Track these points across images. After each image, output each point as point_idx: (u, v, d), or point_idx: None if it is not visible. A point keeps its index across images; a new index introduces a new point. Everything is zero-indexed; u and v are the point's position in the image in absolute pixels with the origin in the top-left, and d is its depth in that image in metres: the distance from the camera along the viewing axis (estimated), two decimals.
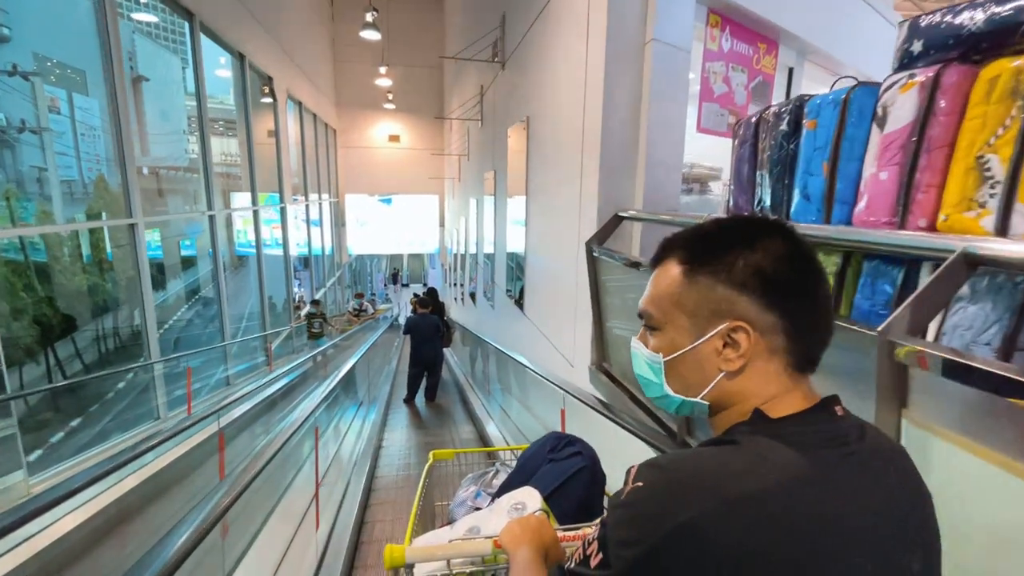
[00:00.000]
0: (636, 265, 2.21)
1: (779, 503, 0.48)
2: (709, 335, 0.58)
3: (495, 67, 6.20)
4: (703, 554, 0.46)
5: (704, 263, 0.59)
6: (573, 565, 0.57)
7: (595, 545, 0.54)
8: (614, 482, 0.95)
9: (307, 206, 10.88)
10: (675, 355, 0.61)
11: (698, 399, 0.61)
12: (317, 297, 10.39)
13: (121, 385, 4.55)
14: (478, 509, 1.25)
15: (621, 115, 2.76)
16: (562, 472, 1.16)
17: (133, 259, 4.17)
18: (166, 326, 7.12)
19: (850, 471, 0.52)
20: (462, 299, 11.58)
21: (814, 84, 4.33)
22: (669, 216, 2.38)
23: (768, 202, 1.61)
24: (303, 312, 9.42)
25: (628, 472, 0.54)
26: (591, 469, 1.18)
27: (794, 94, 4.06)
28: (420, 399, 6.56)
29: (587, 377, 3.01)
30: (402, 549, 0.85)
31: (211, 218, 5.70)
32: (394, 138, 16.17)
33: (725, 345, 0.58)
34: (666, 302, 0.61)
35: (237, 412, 3.91)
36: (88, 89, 4.71)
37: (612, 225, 2.72)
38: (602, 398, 2.64)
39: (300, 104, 10.55)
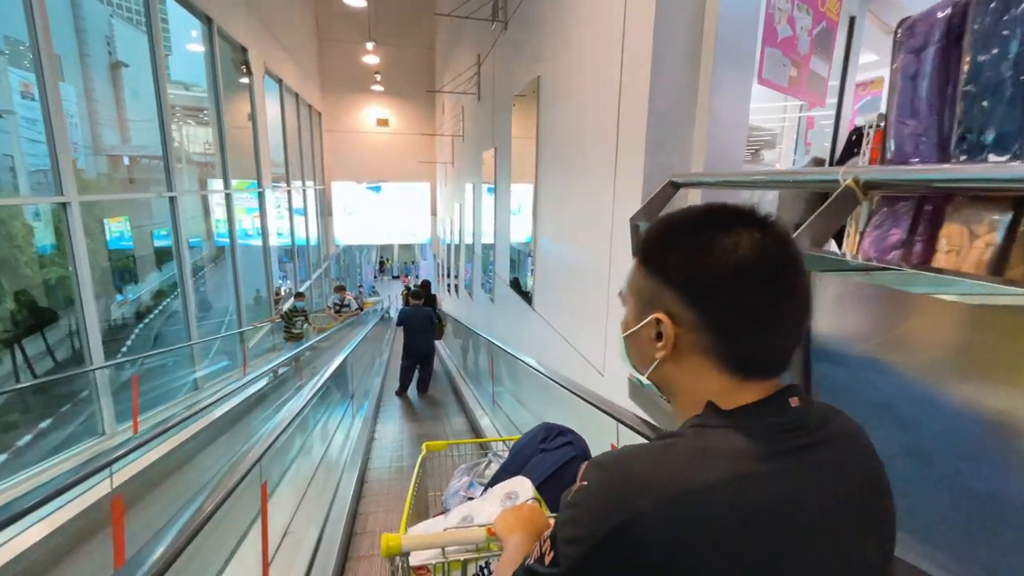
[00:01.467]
0: None
1: (720, 497, 0.48)
2: (642, 323, 0.60)
3: (494, 33, 5.52)
4: (641, 553, 0.47)
5: (647, 253, 0.61)
6: (532, 561, 0.58)
7: (548, 543, 0.56)
8: None
9: (289, 192, 10.13)
10: (625, 333, 0.64)
11: (643, 378, 0.63)
12: (302, 289, 8.85)
13: (60, 394, 3.87)
14: (471, 499, 1.25)
15: (675, 63, 2.13)
16: (553, 462, 1.19)
17: (70, 246, 3.47)
18: (145, 321, 6.48)
19: (802, 460, 0.52)
20: (456, 291, 10.93)
21: (872, 41, 3.73)
22: (741, 176, 1.75)
23: (989, 132, 0.98)
24: (284, 306, 7.76)
25: (579, 469, 0.55)
26: (582, 459, 1.18)
27: (855, 50, 3.41)
28: (412, 391, 6.45)
29: (623, 390, 2.38)
30: (398, 538, 0.88)
31: (172, 201, 4.98)
32: (383, 122, 15.38)
33: (657, 334, 0.58)
34: (628, 284, 0.64)
35: (191, 431, 3.26)
36: (64, 74, 4.72)
37: (665, 195, 2.08)
38: (651, 420, 2.03)
39: (281, 82, 9.78)
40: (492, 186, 6.12)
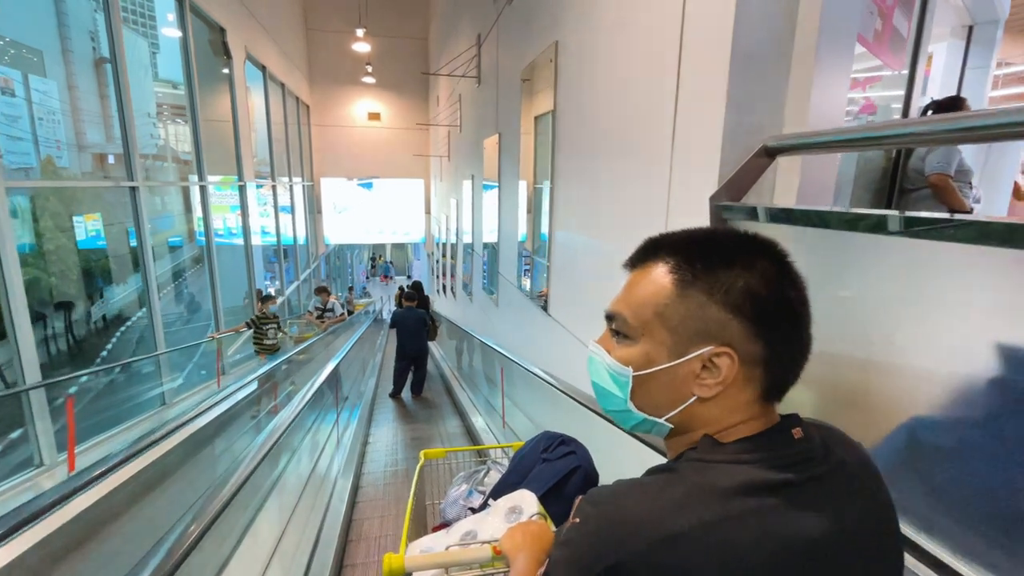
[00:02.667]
0: (826, 221, 1.08)
1: (714, 537, 0.45)
2: (689, 356, 0.52)
3: (497, 6, 4.95)
4: None
5: (699, 276, 0.53)
6: None
7: None
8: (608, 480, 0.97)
9: (274, 187, 9.51)
10: (647, 371, 0.55)
11: (662, 420, 0.56)
12: (271, 291, 7.13)
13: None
14: (471, 508, 1.24)
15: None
16: (556, 472, 1.15)
17: None
18: (128, 324, 5.90)
19: (807, 493, 0.49)
20: (453, 292, 10.35)
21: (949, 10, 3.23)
22: (889, 129, 1.20)
23: None
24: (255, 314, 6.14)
25: (573, 504, 0.54)
26: (585, 469, 1.16)
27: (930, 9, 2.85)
28: (406, 393, 6.39)
29: None
30: (401, 559, 0.84)
31: (133, 193, 4.37)
32: (374, 116, 14.75)
33: (703, 368, 0.52)
34: (647, 311, 0.55)
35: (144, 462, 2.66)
36: (46, 70, 4.71)
37: (757, 167, 1.54)
38: None
39: (265, 70, 9.15)
40: (495, 179, 5.55)
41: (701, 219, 1.68)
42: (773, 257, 0.53)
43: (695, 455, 0.52)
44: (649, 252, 0.58)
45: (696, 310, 0.52)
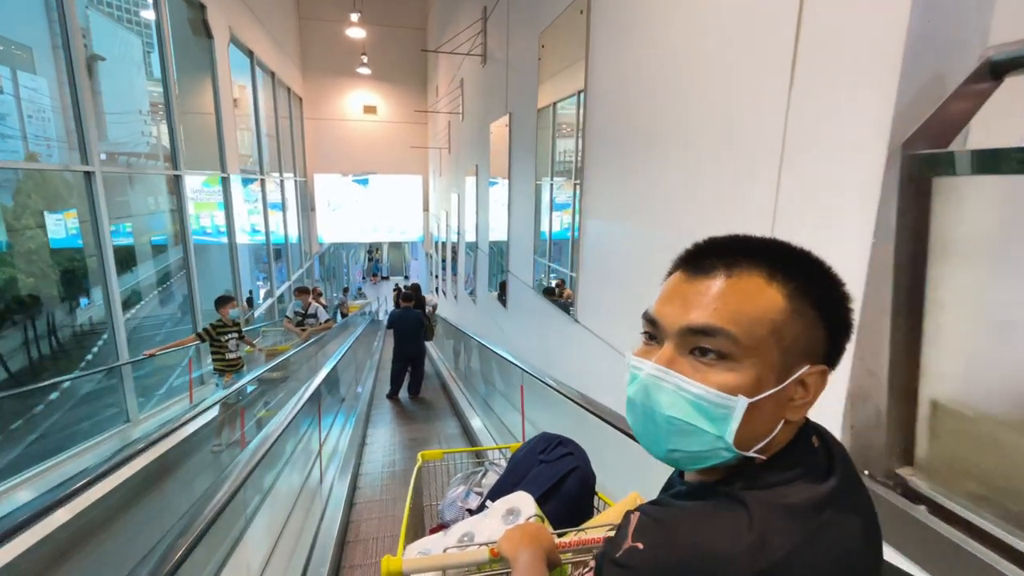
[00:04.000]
0: None
1: (799, 561, 0.43)
2: (793, 378, 0.48)
3: None
4: None
5: (809, 290, 0.48)
6: None
7: None
8: (604, 481, 1.23)
9: (262, 181, 8.90)
10: (760, 397, 0.47)
11: (751, 453, 0.49)
12: (228, 292, 5.17)
13: None
14: (468, 510, 1.25)
15: None
16: (554, 473, 1.14)
17: None
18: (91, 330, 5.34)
19: (845, 509, 0.47)
20: (454, 294, 9.77)
21: None
22: None
23: None
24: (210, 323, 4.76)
25: (627, 518, 0.51)
26: (582, 470, 1.16)
27: None
28: (403, 394, 6.30)
29: None
30: (399, 561, 0.84)
31: (88, 179, 3.77)
32: (370, 109, 14.16)
33: (793, 390, 0.49)
34: (763, 328, 0.47)
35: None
36: (36, 67, 4.61)
37: (975, 94, 0.97)
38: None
39: (252, 56, 8.55)
40: (504, 168, 4.97)
41: (848, 192, 1.11)
42: (836, 274, 0.51)
43: (745, 482, 0.48)
44: (728, 255, 0.50)
45: (810, 328, 0.48)
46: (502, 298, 5.35)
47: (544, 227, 3.95)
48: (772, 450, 0.49)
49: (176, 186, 5.36)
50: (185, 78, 6.54)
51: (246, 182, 9.01)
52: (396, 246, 28.07)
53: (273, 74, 10.05)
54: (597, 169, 2.72)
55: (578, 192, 2.99)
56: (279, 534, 2.44)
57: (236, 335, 4.58)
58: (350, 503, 3.16)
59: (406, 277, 22.32)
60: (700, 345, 0.48)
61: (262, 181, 8.93)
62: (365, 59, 12.60)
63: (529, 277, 4.17)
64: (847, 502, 0.47)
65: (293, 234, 11.59)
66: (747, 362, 0.47)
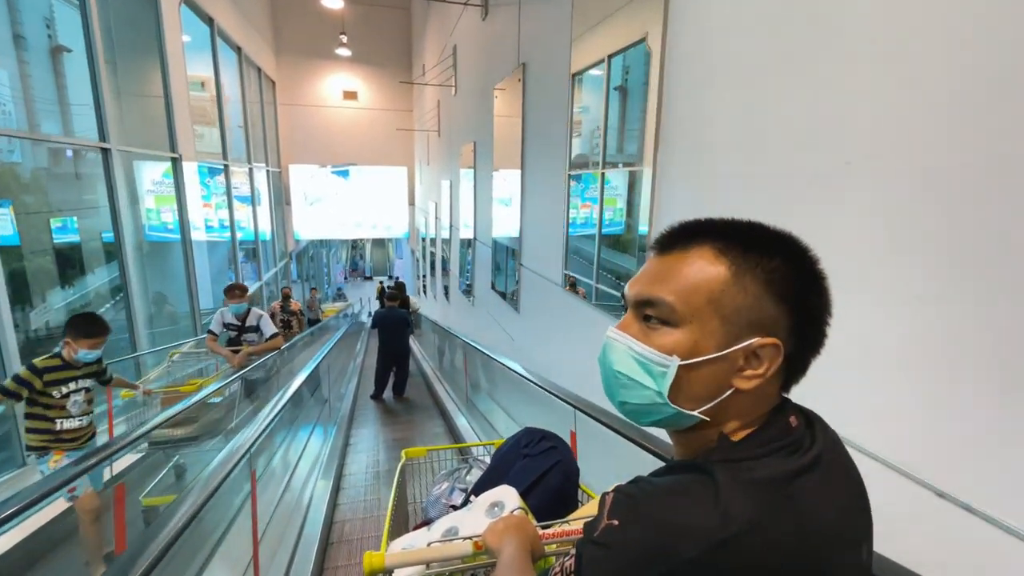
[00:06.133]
0: None
1: (762, 534, 0.45)
2: (738, 347, 0.51)
3: None
4: None
5: (758, 264, 0.51)
6: None
7: None
8: (587, 474, 1.22)
9: (225, 166, 7.81)
10: (694, 360, 0.51)
11: (695, 413, 0.53)
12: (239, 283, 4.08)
13: None
14: (452, 506, 1.24)
15: None
16: (537, 467, 1.14)
17: None
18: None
19: (815, 485, 0.48)
20: (446, 294, 8.79)
21: None
22: None
23: None
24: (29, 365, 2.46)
25: (603, 499, 0.53)
26: (565, 463, 1.15)
27: None
28: (388, 394, 6.20)
29: None
30: (381, 556, 0.84)
31: None
32: (350, 95, 13.07)
33: (745, 360, 0.51)
34: (699, 297, 0.51)
35: None
36: None
37: None
38: None
39: (213, 24, 7.46)
40: (513, 147, 4.02)
41: None
42: (808, 253, 0.53)
43: (718, 456, 0.51)
44: (690, 235, 0.54)
45: (753, 300, 0.50)
46: (513, 300, 4.41)
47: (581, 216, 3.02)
48: (748, 429, 0.52)
49: (104, 163, 4.29)
50: (127, 41, 5.48)
51: (213, 172, 7.94)
52: (380, 244, 26.93)
53: (240, 49, 8.95)
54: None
55: (647, 177, 2.07)
56: (260, 537, 2.27)
57: (83, 387, 2.50)
58: (333, 504, 3.10)
59: (390, 276, 21.23)
60: (646, 313, 0.54)
61: (226, 168, 7.83)
62: (344, 39, 11.53)
63: (558, 274, 3.23)
64: (821, 478, 0.48)
65: (266, 230, 10.49)
66: (686, 328, 0.51)
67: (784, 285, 0.50)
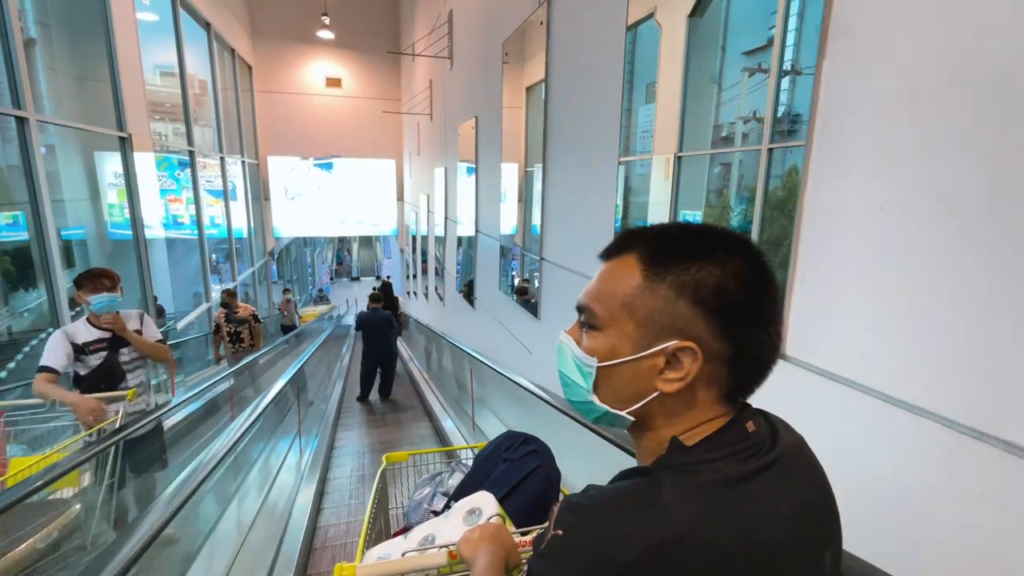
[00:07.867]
0: None
1: (702, 536, 0.44)
2: (654, 350, 0.51)
3: None
4: None
5: (669, 270, 0.51)
6: None
7: None
8: (568, 477, 1.17)
9: (190, 153, 6.94)
10: (610, 363, 0.53)
11: (623, 413, 0.55)
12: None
13: None
14: (434, 512, 1.20)
15: None
16: (517, 472, 1.12)
17: None
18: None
19: (766, 488, 0.48)
20: (440, 296, 7.99)
21: None
22: None
23: None
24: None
25: (552, 510, 0.53)
26: (545, 468, 1.14)
27: None
28: (374, 396, 6.18)
29: None
30: (353, 568, 0.81)
31: None
32: (334, 82, 12.19)
33: (667, 363, 0.51)
34: (615, 302, 0.53)
35: None
36: None
37: None
38: None
39: None
40: (525, 130, 3.25)
41: None
42: (747, 254, 0.51)
43: (666, 460, 0.51)
44: (623, 243, 0.55)
45: (665, 304, 0.50)
46: (527, 303, 3.63)
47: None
48: (701, 433, 0.51)
49: (21, 133, 3.43)
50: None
51: (183, 164, 7.06)
52: (367, 243, 25.96)
53: (209, 25, 8.06)
54: None
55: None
56: (242, 542, 2.29)
57: None
58: (317, 508, 3.08)
59: (378, 277, 20.32)
60: (582, 319, 0.56)
61: (192, 155, 6.95)
62: (327, 20, 10.66)
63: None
64: (776, 482, 0.48)
65: (241, 227, 9.59)
66: (607, 331, 0.52)
67: (700, 289, 0.49)
